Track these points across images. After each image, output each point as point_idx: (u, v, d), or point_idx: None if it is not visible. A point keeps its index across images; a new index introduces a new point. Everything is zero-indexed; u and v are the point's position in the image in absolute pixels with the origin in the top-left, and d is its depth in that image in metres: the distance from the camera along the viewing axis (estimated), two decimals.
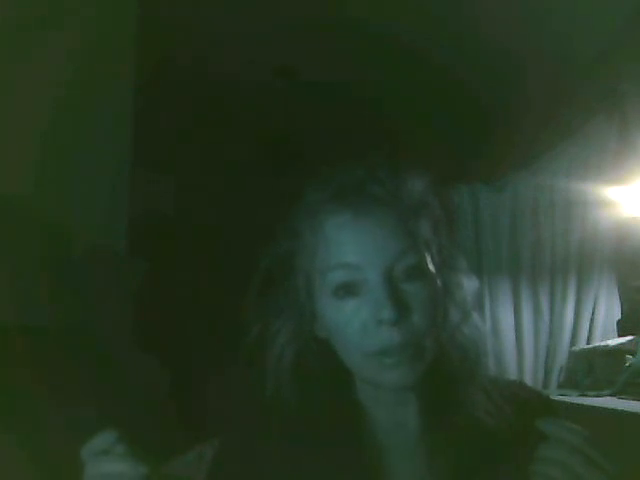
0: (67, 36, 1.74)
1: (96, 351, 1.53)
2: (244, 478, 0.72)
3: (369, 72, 2.89)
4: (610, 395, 1.77)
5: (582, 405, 1.69)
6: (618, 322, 2.27)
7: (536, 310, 2.38)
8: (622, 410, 1.52)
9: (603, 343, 2.09)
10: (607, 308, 2.31)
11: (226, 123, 3.22)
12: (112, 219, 1.90)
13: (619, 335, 2.18)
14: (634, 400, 1.65)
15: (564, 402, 1.78)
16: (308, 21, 2.55)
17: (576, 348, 2.26)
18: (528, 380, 2.29)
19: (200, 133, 3.27)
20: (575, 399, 1.81)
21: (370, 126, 3.07)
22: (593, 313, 2.32)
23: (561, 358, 2.32)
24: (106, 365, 1.51)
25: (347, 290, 0.70)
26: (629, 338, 1.94)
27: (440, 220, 0.75)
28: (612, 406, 1.59)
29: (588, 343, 2.28)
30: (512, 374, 2.28)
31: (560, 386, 2.25)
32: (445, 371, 0.74)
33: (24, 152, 1.56)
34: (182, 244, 3.10)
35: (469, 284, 0.77)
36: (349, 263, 0.69)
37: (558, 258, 2.39)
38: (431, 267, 0.71)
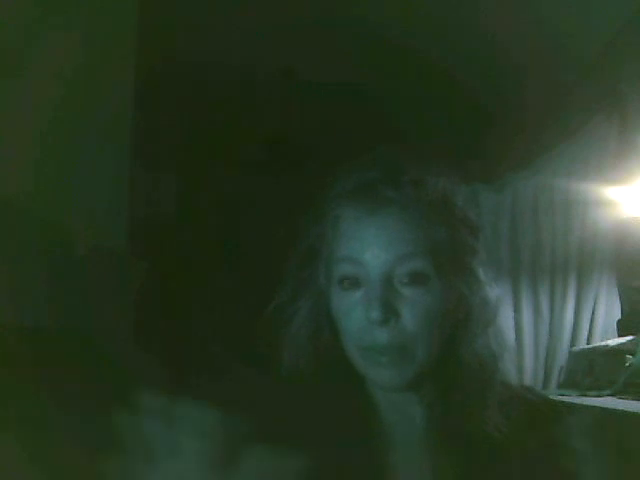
0: (67, 36, 1.74)
1: (96, 351, 1.53)
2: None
3: (369, 72, 2.89)
4: (610, 395, 1.77)
5: (582, 405, 1.69)
6: (618, 322, 2.27)
7: (536, 310, 2.38)
8: (622, 410, 1.52)
9: (603, 343, 2.09)
10: (607, 308, 2.31)
11: (226, 123, 3.22)
12: (113, 219, 1.90)
13: (619, 335, 2.18)
14: (634, 400, 1.65)
15: (564, 402, 1.78)
16: (308, 21, 2.55)
17: (576, 348, 2.26)
18: (528, 380, 2.29)
19: (200, 133, 3.27)
20: (575, 399, 1.81)
21: (370, 126, 3.07)
22: (593, 313, 2.32)
23: (561, 358, 2.32)
24: (106, 365, 1.51)
25: (350, 282, 0.72)
26: (629, 338, 1.94)
27: (463, 226, 0.74)
28: (612, 406, 1.59)
29: (588, 343, 2.28)
30: (512, 374, 2.28)
31: (560, 386, 2.25)
32: (459, 379, 0.73)
33: (24, 152, 1.56)
34: (183, 244, 3.10)
35: (490, 294, 0.75)
36: (355, 258, 0.71)
37: (558, 258, 2.39)
38: (439, 275, 0.70)
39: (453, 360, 0.73)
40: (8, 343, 1.30)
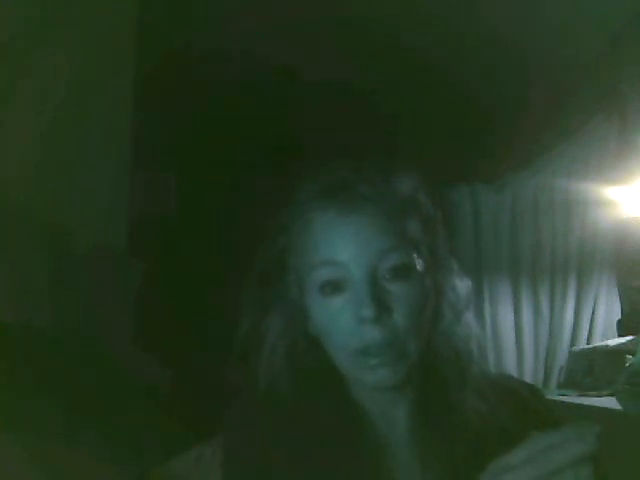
0: (67, 36, 1.74)
1: (96, 351, 1.53)
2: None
3: (369, 72, 2.89)
4: (610, 395, 1.77)
5: (582, 405, 1.70)
6: (618, 322, 2.27)
7: (536, 310, 2.39)
8: (622, 410, 1.52)
9: (603, 343, 2.09)
10: (607, 308, 2.31)
11: (226, 123, 3.22)
12: (112, 219, 1.90)
13: (619, 335, 2.18)
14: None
15: (564, 402, 1.78)
16: (308, 21, 2.55)
17: (576, 348, 2.26)
18: (528, 380, 2.29)
19: (200, 133, 3.26)
20: (575, 399, 1.81)
21: (370, 126, 3.07)
22: (593, 313, 2.32)
23: (561, 358, 2.32)
24: (106, 365, 1.51)
25: (332, 287, 0.70)
26: (629, 338, 1.94)
27: (431, 220, 0.75)
28: (612, 406, 1.59)
29: (588, 343, 2.28)
30: (512, 374, 2.29)
31: (560, 386, 2.25)
32: (437, 371, 0.74)
33: (24, 152, 1.56)
34: (182, 244, 3.10)
35: (461, 285, 0.76)
36: (334, 260, 0.70)
37: (558, 258, 2.39)
38: (419, 267, 0.71)
39: (430, 352, 0.73)
40: (8, 343, 1.30)
